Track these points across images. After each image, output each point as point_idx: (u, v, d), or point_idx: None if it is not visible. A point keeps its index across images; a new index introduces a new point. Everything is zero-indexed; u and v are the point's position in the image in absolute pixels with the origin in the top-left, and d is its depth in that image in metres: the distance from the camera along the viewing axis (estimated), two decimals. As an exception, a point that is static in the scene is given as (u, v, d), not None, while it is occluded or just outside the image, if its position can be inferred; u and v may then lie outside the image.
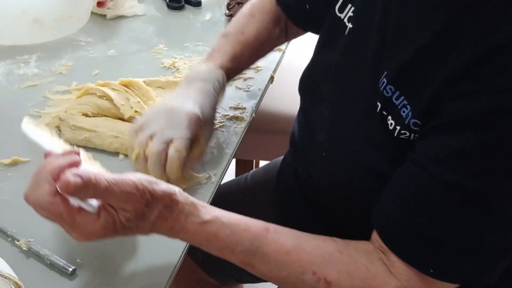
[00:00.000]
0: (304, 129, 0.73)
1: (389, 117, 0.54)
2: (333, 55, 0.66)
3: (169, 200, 0.53)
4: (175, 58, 0.96)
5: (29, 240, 0.58)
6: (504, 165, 0.47)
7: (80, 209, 0.49)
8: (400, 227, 0.53)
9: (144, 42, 1.02)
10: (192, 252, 0.89)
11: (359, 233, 0.60)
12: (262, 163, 1.41)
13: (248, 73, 0.94)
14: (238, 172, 1.47)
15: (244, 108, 0.84)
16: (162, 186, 0.53)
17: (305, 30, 0.84)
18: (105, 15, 1.09)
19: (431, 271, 0.51)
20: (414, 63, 0.52)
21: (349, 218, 0.66)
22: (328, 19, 0.69)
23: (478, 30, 0.47)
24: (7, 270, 0.54)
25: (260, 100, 0.88)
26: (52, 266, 0.56)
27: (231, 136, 0.78)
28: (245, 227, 0.55)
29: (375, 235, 0.56)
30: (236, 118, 0.82)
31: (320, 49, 0.72)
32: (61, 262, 0.56)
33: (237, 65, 0.79)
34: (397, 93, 0.53)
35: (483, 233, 0.50)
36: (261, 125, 1.22)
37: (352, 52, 0.62)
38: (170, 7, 1.16)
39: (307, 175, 0.72)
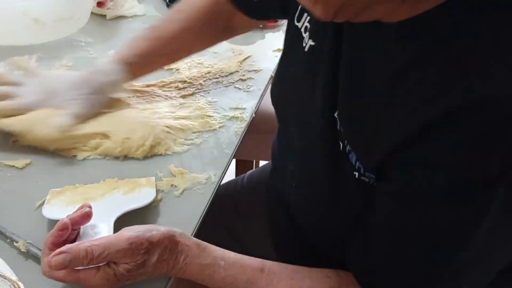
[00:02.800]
0: (279, 151, 0.72)
1: (348, 159, 0.52)
2: (292, 71, 0.63)
3: (168, 242, 0.54)
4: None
5: (27, 241, 0.58)
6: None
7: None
8: (366, 267, 0.53)
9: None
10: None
11: (336, 255, 0.60)
12: (262, 163, 1.41)
13: (248, 73, 0.94)
14: (238, 172, 1.46)
15: (244, 109, 0.84)
16: (161, 229, 0.54)
17: (251, 16, 0.80)
18: (105, 15, 1.09)
19: None
20: (365, 114, 0.49)
21: (326, 243, 0.65)
22: (288, 29, 0.65)
23: (433, 89, 0.42)
24: (7, 270, 0.54)
25: (260, 101, 0.87)
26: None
27: (231, 136, 0.78)
28: (240, 269, 0.56)
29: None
30: (236, 118, 0.82)
31: (282, 62, 0.68)
32: (60, 263, 0.56)
33: (146, 61, 0.78)
34: (344, 135, 0.52)
35: (453, 274, 0.49)
36: (261, 125, 1.21)
37: (310, 73, 0.57)
38: (170, 7, 1.15)
39: (283, 193, 0.71)
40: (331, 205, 0.58)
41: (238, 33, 0.88)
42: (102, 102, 0.75)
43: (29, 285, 0.54)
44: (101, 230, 0.56)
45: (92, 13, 1.07)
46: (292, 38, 0.63)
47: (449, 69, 0.41)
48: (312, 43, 0.57)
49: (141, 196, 0.63)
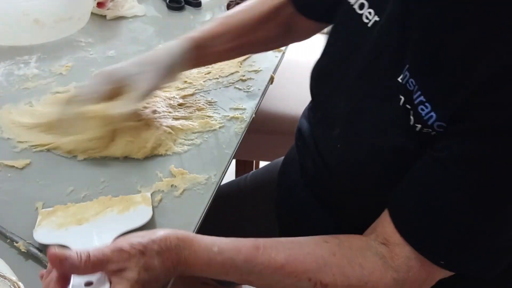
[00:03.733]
0: (316, 122, 0.73)
1: (411, 112, 0.54)
2: (349, 47, 0.65)
3: (159, 241, 0.53)
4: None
5: (27, 242, 0.58)
6: None
7: None
8: (417, 220, 0.53)
9: (144, 42, 1.02)
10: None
11: (367, 227, 0.60)
12: (262, 163, 1.41)
13: (248, 73, 0.94)
14: (238, 172, 1.47)
15: (244, 109, 0.84)
16: (148, 235, 0.53)
17: (313, 19, 0.82)
18: (105, 16, 1.09)
19: (442, 262, 0.52)
20: (442, 64, 0.51)
21: (359, 212, 0.65)
22: (343, 9, 0.67)
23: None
24: (7, 270, 0.54)
25: (260, 101, 0.87)
26: (51, 267, 0.56)
27: (231, 136, 0.78)
28: (236, 251, 0.55)
29: (381, 227, 0.56)
30: (236, 119, 0.82)
31: (334, 39, 0.71)
32: (60, 263, 0.56)
33: (211, 42, 0.79)
34: (417, 88, 0.53)
35: (494, 232, 0.51)
36: (261, 126, 1.22)
37: (372, 43, 0.60)
38: (170, 7, 1.16)
39: (318, 169, 0.71)
40: (377, 159, 0.58)
41: (301, 38, 0.88)
42: (168, 77, 0.75)
43: (29, 285, 0.54)
44: None
45: (92, 13, 1.07)
46: (343, 18, 0.66)
47: None
48: (377, 19, 0.60)
49: (137, 216, 0.61)
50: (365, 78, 0.60)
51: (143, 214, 0.62)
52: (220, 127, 0.80)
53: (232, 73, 0.93)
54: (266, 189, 0.87)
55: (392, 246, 0.54)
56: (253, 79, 0.93)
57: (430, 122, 0.52)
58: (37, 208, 0.63)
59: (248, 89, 0.90)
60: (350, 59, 0.64)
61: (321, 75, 0.72)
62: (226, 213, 0.89)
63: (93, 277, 0.50)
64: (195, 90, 0.88)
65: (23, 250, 0.57)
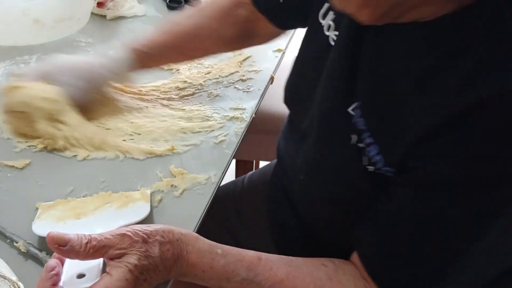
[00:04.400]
0: (289, 144, 0.72)
1: (364, 152, 0.52)
2: (311, 68, 0.63)
3: (162, 232, 0.52)
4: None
5: (27, 242, 0.58)
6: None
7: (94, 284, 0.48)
8: (379, 256, 0.53)
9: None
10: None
11: (341, 245, 0.60)
12: (262, 163, 1.41)
13: (248, 74, 0.94)
14: (238, 172, 1.47)
15: (244, 109, 0.84)
16: (153, 226, 0.53)
17: (279, 27, 0.80)
18: (105, 16, 1.09)
19: None
20: (390, 103, 0.49)
21: (331, 234, 0.66)
22: (310, 25, 0.66)
23: (459, 83, 0.43)
24: (7, 271, 0.54)
25: (260, 101, 0.87)
26: (51, 267, 0.56)
27: (231, 136, 0.78)
28: (239, 257, 0.55)
29: (356, 260, 0.56)
30: (236, 119, 0.82)
31: (300, 58, 0.69)
32: (59, 263, 0.56)
33: (155, 51, 0.79)
34: (366, 128, 0.52)
35: (460, 266, 0.49)
36: (261, 126, 1.22)
37: (328, 66, 0.58)
38: (170, 7, 1.16)
39: (290, 192, 0.72)
40: (338, 196, 0.58)
41: (257, 41, 0.86)
42: (98, 91, 0.77)
43: (29, 285, 0.54)
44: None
45: (92, 13, 1.08)
46: (312, 35, 0.64)
47: (476, 65, 0.43)
48: (336, 33, 0.58)
49: (135, 211, 0.61)
50: (323, 105, 0.58)
51: (141, 210, 0.62)
52: (220, 127, 0.80)
53: (232, 73, 0.93)
54: (263, 190, 0.87)
55: (368, 280, 0.55)
56: (253, 79, 0.93)
57: (378, 166, 0.51)
58: (37, 208, 0.63)
59: (248, 89, 0.90)
60: (313, 78, 0.62)
61: (292, 97, 0.71)
62: (225, 214, 0.89)
63: (86, 269, 0.49)
64: (195, 90, 0.88)
65: (23, 250, 0.57)
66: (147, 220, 0.61)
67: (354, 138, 0.53)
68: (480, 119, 0.42)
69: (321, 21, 0.62)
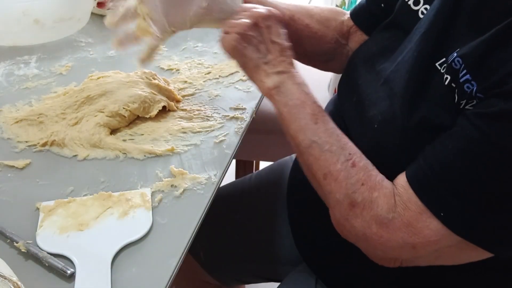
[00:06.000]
0: (349, 106, 0.73)
1: (456, 91, 0.55)
2: (398, 36, 0.67)
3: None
4: (175, 59, 0.96)
5: (27, 242, 0.58)
6: None
7: None
8: (427, 172, 0.55)
9: (144, 42, 1.01)
10: (194, 252, 0.89)
11: None
12: (262, 163, 1.41)
13: (248, 73, 0.93)
14: (238, 172, 1.47)
15: (244, 109, 0.84)
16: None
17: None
18: (105, 16, 1.09)
19: (441, 214, 0.53)
20: (491, 44, 0.53)
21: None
22: (399, 5, 0.70)
23: None
24: (7, 271, 0.54)
25: (260, 101, 0.87)
26: (51, 268, 0.56)
27: (231, 136, 0.78)
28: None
29: (397, 177, 0.58)
30: (236, 119, 0.82)
31: (382, 30, 0.73)
32: (59, 264, 0.56)
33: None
34: (463, 67, 0.55)
35: (506, 206, 0.51)
36: (261, 126, 1.22)
37: (421, 27, 0.63)
38: (170, 7, 1.15)
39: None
40: (415, 139, 0.59)
41: (339, 61, 0.85)
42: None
43: (29, 285, 0.53)
44: (98, 271, 0.56)
45: (92, 13, 1.07)
46: (399, 13, 0.70)
47: None
48: (427, 6, 0.66)
49: (137, 224, 0.61)
50: (410, 61, 0.62)
51: (143, 222, 0.62)
52: (220, 127, 0.80)
53: (232, 73, 0.93)
54: (272, 188, 0.87)
55: (399, 187, 0.57)
56: (253, 79, 0.93)
57: (473, 95, 0.53)
58: (37, 208, 0.63)
59: (248, 89, 0.90)
60: (395, 47, 0.67)
61: (363, 59, 0.73)
62: (228, 213, 0.89)
63: None
64: (195, 90, 0.88)
65: (23, 250, 0.57)
66: (152, 220, 0.62)
67: (448, 78, 0.57)
68: None
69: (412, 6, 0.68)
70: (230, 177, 1.33)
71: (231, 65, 0.95)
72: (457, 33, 0.59)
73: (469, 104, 0.54)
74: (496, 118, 0.50)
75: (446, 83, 0.57)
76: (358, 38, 0.81)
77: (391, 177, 0.61)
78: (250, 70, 0.68)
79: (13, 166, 0.69)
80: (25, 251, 0.57)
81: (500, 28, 0.53)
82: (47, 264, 0.56)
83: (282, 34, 0.67)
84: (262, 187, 0.90)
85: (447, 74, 0.57)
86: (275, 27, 0.67)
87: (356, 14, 0.81)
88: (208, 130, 0.79)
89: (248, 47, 0.66)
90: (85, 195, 0.66)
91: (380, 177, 0.59)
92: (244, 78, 0.92)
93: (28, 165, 0.70)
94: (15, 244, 0.58)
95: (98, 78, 0.84)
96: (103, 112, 0.76)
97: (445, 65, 0.58)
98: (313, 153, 0.62)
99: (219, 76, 0.92)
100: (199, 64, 0.95)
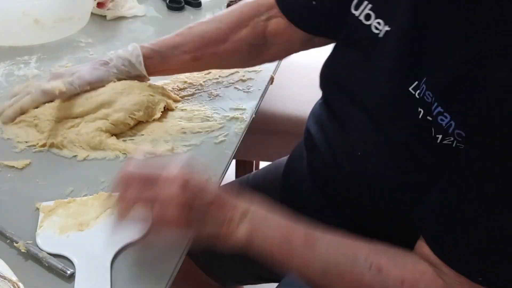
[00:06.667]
0: (330, 125, 0.72)
1: (432, 124, 0.54)
2: (361, 57, 0.65)
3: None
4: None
5: (27, 242, 0.58)
6: None
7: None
8: (448, 237, 0.52)
9: (144, 43, 1.01)
10: (193, 254, 0.88)
11: (377, 229, 0.60)
12: (262, 164, 1.41)
13: (248, 74, 0.94)
14: (238, 173, 1.47)
15: (244, 109, 0.84)
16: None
17: (312, 33, 0.78)
18: (105, 16, 1.09)
19: (480, 279, 0.51)
20: (460, 74, 0.51)
21: (367, 214, 0.66)
22: (348, 21, 0.67)
23: None
24: (7, 271, 0.54)
25: (260, 101, 0.87)
26: (51, 268, 0.56)
27: (231, 137, 0.78)
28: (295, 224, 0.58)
29: (421, 247, 0.55)
30: (236, 119, 0.82)
31: (343, 47, 0.71)
32: (59, 264, 0.56)
33: (165, 51, 0.79)
34: (434, 100, 0.53)
35: None
36: (261, 126, 1.22)
37: (387, 53, 0.60)
38: (170, 8, 1.16)
39: (328, 171, 0.71)
40: (402, 171, 0.58)
41: (274, 52, 0.83)
42: (115, 76, 0.78)
43: (29, 285, 0.54)
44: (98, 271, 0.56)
45: (92, 13, 1.08)
46: (352, 27, 0.66)
47: None
48: (388, 29, 0.61)
49: (136, 225, 0.61)
50: (382, 89, 0.60)
51: (143, 222, 0.61)
52: (220, 127, 0.80)
53: (232, 73, 0.93)
54: (268, 189, 0.87)
55: (438, 266, 0.53)
56: (253, 79, 0.93)
57: (450, 131, 0.52)
58: (37, 208, 0.63)
59: (248, 89, 0.90)
60: (362, 68, 0.64)
61: (332, 80, 0.72)
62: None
63: None
64: (195, 90, 0.88)
65: (23, 250, 0.57)
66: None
67: (421, 112, 0.55)
68: None
69: (354, 12, 0.64)
70: (230, 177, 1.33)
71: (231, 65, 0.95)
72: (424, 60, 0.56)
73: (446, 140, 0.53)
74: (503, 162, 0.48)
75: (420, 116, 0.55)
76: (279, 25, 0.79)
77: (379, 200, 0.61)
78: (208, 238, 0.58)
79: (13, 166, 0.69)
80: (25, 251, 0.57)
81: (467, 57, 0.51)
82: (47, 264, 0.56)
83: (208, 185, 0.58)
84: (258, 188, 0.90)
85: (420, 108, 0.55)
86: (197, 181, 0.56)
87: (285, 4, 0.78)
88: (208, 131, 0.79)
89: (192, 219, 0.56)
90: (85, 195, 0.66)
91: (410, 262, 0.54)
92: (244, 78, 0.92)
93: (28, 165, 0.70)
94: (15, 244, 0.58)
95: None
96: (106, 119, 0.75)
97: (418, 90, 0.55)
98: (332, 279, 0.56)
99: (219, 76, 0.92)
100: (199, 64, 0.95)
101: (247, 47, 0.81)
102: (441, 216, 0.53)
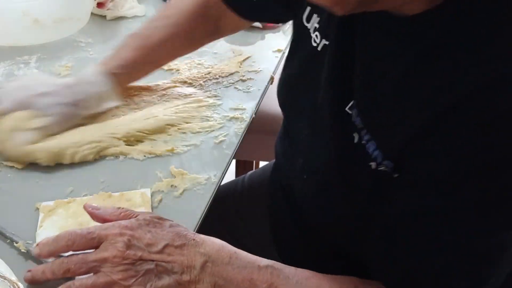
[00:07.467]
0: (286, 145, 0.72)
1: (365, 149, 0.52)
2: (302, 69, 0.63)
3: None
4: (175, 60, 0.96)
5: (27, 242, 0.58)
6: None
7: None
8: (394, 273, 0.52)
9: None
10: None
11: (341, 246, 0.60)
12: (262, 163, 1.41)
13: (248, 74, 0.94)
14: (238, 172, 1.47)
15: (244, 109, 0.84)
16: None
17: (248, 19, 0.83)
18: (105, 16, 1.09)
19: None
20: (382, 104, 0.49)
21: (331, 237, 0.65)
22: (295, 31, 0.66)
23: (446, 77, 0.43)
24: (7, 271, 0.54)
25: (260, 101, 0.87)
26: (51, 267, 0.56)
27: (231, 136, 0.78)
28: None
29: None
30: (236, 119, 0.82)
31: (289, 63, 0.69)
32: (59, 264, 0.56)
33: (132, 70, 0.78)
34: (363, 126, 0.52)
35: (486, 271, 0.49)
36: (261, 126, 1.22)
37: (322, 71, 0.57)
38: (170, 7, 1.15)
39: (290, 190, 0.71)
40: (343, 195, 0.57)
41: (226, 35, 0.91)
42: (81, 115, 0.74)
43: (29, 285, 0.54)
44: None
45: (92, 13, 1.07)
46: (299, 39, 0.64)
47: (463, 56, 0.42)
48: (326, 42, 0.57)
49: None
50: (321, 106, 0.58)
51: None
52: (220, 127, 0.80)
53: (232, 73, 0.93)
54: (263, 190, 0.87)
55: None
56: (253, 79, 0.93)
57: (378, 161, 0.50)
58: (37, 208, 0.63)
59: (248, 89, 0.90)
60: (306, 81, 0.62)
61: (285, 101, 0.70)
62: (225, 214, 0.89)
63: None
64: (195, 89, 0.88)
65: (23, 250, 0.57)
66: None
67: (356, 137, 0.53)
68: (471, 111, 0.42)
69: (306, 24, 0.62)
70: (230, 177, 1.32)
71: (231, 65, 0.95)
72: (355, 82, 0.53)
73: (380, 167, 0.50)
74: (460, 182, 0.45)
75: (356, 141, 0.53)
76: (228, 17, 0.81)
77: (331, 226, 0.60)
78: None
79: (13, 166, 0.69)
80: (25, 251, 0.57)
81: (393, 83, 0.48)
82: (44, 262, 0.56)
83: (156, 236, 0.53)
84: (253, 188, 0.90)
85: (354, 133, 0.53)
86: (143, 230, 0.53)
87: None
88: (208, 131, 0.79)
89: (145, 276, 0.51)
90: (85, 195, 0.66)
91: None
92: (244, 78, 0.92)
93: (27, 165, 0.70)
94: (15, 244, 0.58)
95: None
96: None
97: (355, 109, 0.53)
98: None
99: (219, 76, 0.92)
100: (199, 64, 0.95)
101: (202, 40, 0.86)
102: (385, 251, 0.52)
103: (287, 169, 0.72)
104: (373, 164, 0.51)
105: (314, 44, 0.60)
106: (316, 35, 0.59)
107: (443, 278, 0.49)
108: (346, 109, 0.54)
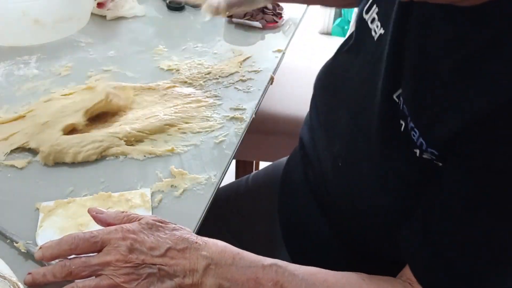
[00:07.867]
0: (318, 134, 0.71)
1: (409, 137, 0.52)
2: (356, 59, 0.64)
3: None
4: (175, 60, 0.96)
5: (27, 242, 0.58)
6: None
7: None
8: (428, 261, 0.51)
9: (144, 43, 1.02)
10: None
11: (367, 239, 0.59)
12: (262, 164, 1.41)
13: (248, 74, 0.94)
14: (238, 173, 1.47)
15: (244, 109, 0.84)
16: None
17: None
18: (105, 16, 1.09)
19: None
20: (433, 92, 0.49)
21: (359, 227, 0.65)
22: (357, 20, 0.67)
23: (503, 71, 0.43)
24: (7, 271, 0.54)
25: (260, 101, 0.87)
26: (51, 267, 0.56)
27: (231, 137, 0.78)
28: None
29: (406, 269, 0.54)
30: (236, 119, 0.82)
31: (342, 48, 0.70)
32: (59, 264, 0.56)
33: None
34: (408, 113, 0.52)
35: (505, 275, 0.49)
36: (261, 126, 1.22)
37: (376, 60, 0.58)
38: (170, 8, 1.16)
39: (318, 181, 0.71)
40: (382, 184, 0.56)
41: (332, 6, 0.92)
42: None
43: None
44: None
45: (92, 13, 1.07)
46: (360, 30, 0.65)
47: None
48: (382, 32, 0.59)
49: None
50: (368, 94, 0.59)
51: None
52: (220, 127, 0.80)
53: (232, 73, 0.93)
54: (268, 190, 0.87)
55: (415, 284, 0.53)
56: (253, 79, 0.93)
57: (424, 148, 0.50)
58: (37, 208, 0.63)
59: (248, 89, 0.90)
60: (357, 72, 0.63)
61: (324, 82, 0.72)
62: (227, 214, 0.89)
63: None
64: (196, 89, 0.88)
65: (23, 250, 0.57)
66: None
67: (403, 124, 0.53)
68: None
69: (365, 16, 0.63)
70: (230, 177, 1.33)
71: (231, 65, 0.95)
72: (404, 69, 0.53)
73: (425, 154, 0.50)
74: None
75: (402, 129, 0.53)
76: None
77: (364, 214, 0.59)
78: None
79: (13, 166, 0.69)
80: (25, 251, 0.57)
81: (441, 76, 0.48)
82: (46, 265, 0.56)
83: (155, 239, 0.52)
84: (258, 189, 0.90)
85: (401, 120, 0.53)
86: (144, 234, 0.53)
87: None
88: (208, 131, 0.79)
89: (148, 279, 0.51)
90: (85, 195, 0.66)
91: None
92: (244, 78, 0.92)
93: (28, 165, 0.70)
94: (15, 244, 0.58)
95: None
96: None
97: (401, 98, 0.53)
98: None
99: (219, 76, 0.92)
100: (199, 64, 0.95)
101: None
102: (424, 242, 0.52)
103: (316, 158, 0.71)
104: (417, 151, 0.51)
105: (374, 34, 0.61)
106: (377, 26, 0.60)
107: (484, 272, 0.49)
108: (394, 96, 0.54)
